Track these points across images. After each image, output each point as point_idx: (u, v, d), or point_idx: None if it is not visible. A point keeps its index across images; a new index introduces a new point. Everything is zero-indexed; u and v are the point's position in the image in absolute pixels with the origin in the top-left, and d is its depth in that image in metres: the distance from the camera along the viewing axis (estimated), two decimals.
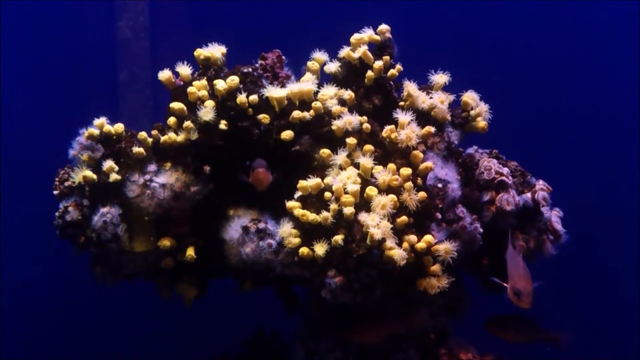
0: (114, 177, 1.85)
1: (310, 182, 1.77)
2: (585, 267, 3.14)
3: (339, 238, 1.69)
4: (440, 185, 1.85)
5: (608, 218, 3.24)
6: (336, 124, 1.87)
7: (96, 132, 1.89)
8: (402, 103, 1.99)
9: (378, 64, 1.96)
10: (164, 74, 1.92)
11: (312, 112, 1.88)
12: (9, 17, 2.95)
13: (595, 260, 3.23)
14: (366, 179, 1.80)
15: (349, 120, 1.86)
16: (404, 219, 1.73)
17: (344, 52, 2.00)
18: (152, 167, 1.87)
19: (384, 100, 1.99)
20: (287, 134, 1.87)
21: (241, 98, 1.85)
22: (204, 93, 1.87)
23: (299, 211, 1.75)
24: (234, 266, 1.88)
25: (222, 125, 1.86)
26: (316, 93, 1.92)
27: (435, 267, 1.78)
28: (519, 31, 3.15)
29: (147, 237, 1.91)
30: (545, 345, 2.04)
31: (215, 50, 1.93)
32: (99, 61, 2.91)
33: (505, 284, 1.75)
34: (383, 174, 1.77)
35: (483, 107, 2.02)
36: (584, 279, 3.17)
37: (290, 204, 1.78)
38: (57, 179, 1.96)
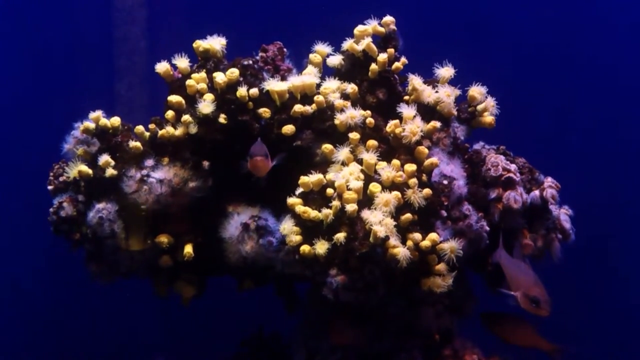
0: (110, 172, 1.82)
1: (311, 178, 1.74)
2: (593, 268, 3.11)
3: (341, 236, 1.66)
4: (445, 182, 1.82)
5: (618, 216, 3.21)
6: (339, 119, 1.83)
7: (92, 125, 1.86)
8: (406, 97, 1.95)
9: (382, 56, 1.92)
10: (162, 67, 1.89)
11: (314, 106, 1.85)
12: (3, 8, 2.92)
13: (604, 261, 3.20)
14: (369, 175, 1.76)
15: (352, 114, 1.82)
16: (408, 216, 1.69)
17: (347, 44, 1.96)
18: (149, 162, 1.84)
19: (388, 94, 1.95)
20: (288, 129, 1.83)
21: (241, 91, 1.82)
22: (203, 86, 1.84)
23: (300, 208, 1.72)
24: (233, 264, 1.85)
25: (222, 119, 1.83)
26: (318, 86, 1.89)
27: (440, 266, 1.74)
28: (528, 24, 3.13)
29: (144, 234, 1.88)
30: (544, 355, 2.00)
31: (214, 42, 1.90)
32: (95, 53, 2.88)
33: (512, 293, 1.71)
34: (387, 170, 1.73)
35: (490, 102, 1.98)
36: (591, 282, 3.14)
37: (291, 200, 1.75)
38: (51, 174, 1.94)
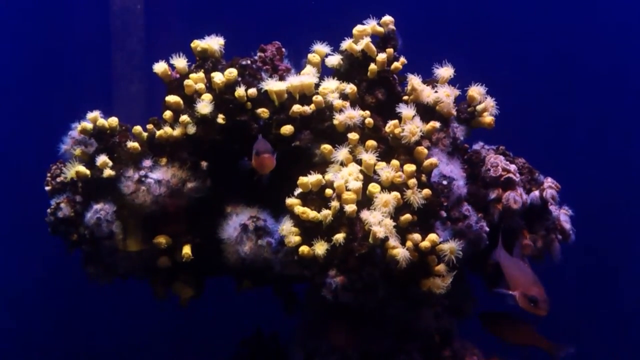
0: (107, 172, 1.80)
1: (310, 179, 1.72)
2: (593, 268, 3.10)
3: (340, 236, 1.65)
4: (445, 182, 1.82)
5: (618, 216, 3.20)
6: (338, 119, 1.82)
7: (89, 126, 1.85)
8: (406, 97, 1.94)
9: (381, 56, 1.91)
10: (160, 66, 1.87)
11: (312, 106, 1.84)
12: (1, 8, 2.91)
13: (604, 261, 3.19)
14: (368, 176, 1.75)
15: (351, 114, 1.81)
16: (407, 217, 1.68)
17: (346, 44, 1.95)
18: (147, 163, 1.83)
19: (387, 94, 1.95)
20: (286, 129, 1.82)
21: (239, 91, 1.81)
22: (201, 86, 1.82)
23: (299, 209, 1.71)
24: (231, 265, 1.83)
25: (220, 119, 1.82)
26: (317, 86, 1.88)
27: (440, 267, 1.73)
28: (528, 23, 3.11)
29: (142, 235, 1.87)
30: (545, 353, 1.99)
31: (212, 42, 1.89)
32: (92, 53, 2.86)
33: (511, 292, 1.70)
34: (386, 171, 1.72)
35: (490, 102, 1.97)
36: (592, 281, 3.13)
37: (290, 201, 1.74)
38: (49, 175, 1.92)
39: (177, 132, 1.82)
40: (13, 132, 2.90)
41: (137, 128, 1.84)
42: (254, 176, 1.77)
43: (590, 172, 3.03)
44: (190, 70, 1.88)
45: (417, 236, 1.69)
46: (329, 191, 1.71)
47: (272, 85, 1.84)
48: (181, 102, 1.83)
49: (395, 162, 1.75)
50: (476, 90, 1.98)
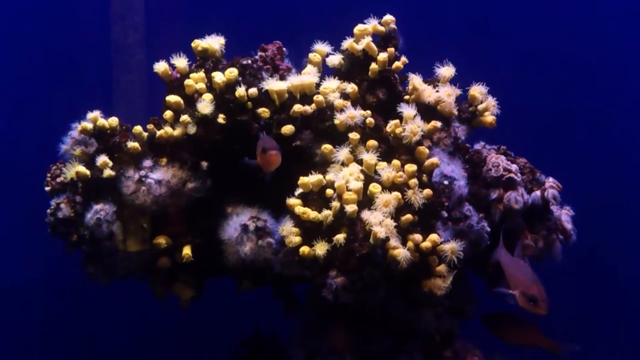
0: (107, 172, 1.80)
1: (311, 179, 1.72)
2: (595, 268, 3.09)
3: (341, 237, 1.64)
4: (446, 182, 1.81)
5: (619, 216, 3.19)
6: (339, 119, 1.82)
7: (89, 126, 1.84)
8: (407, 97, 1.94)
9: (382, 56, 1.90)
10: (160, 66, 1.87)
11: (313, 105, 1.83)
12: (1, 9, 2.90)
13: (605, 261, 3.19)
14: (369, 176, 1.74)
15: (352, 114, 1.81)
16: (408, 217, 1.68)
17: (347, 43, 1.94)
18: (147, 163, 1.82)
19: (388, 94, 1.94)
20: (287, 129, 1.82)
21: (240, 91, 1.81)
22: (201, 86, 1.82)
23: (299, 209, 1.70)
24: (232, 265, 1.83)
25: (220, 119, 1.81)
26: (318, 86, 1.87)
27: (441, 268, 1.73)
28: (529, 23, 3.11)
29: (142, 235, 1.86)
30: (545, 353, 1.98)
31: (213, 42, 1.88)
32: (93, 53, 2.85)
33: (511, 292, 1.70)
34: (387, 171, 1.72)
35: (491, 102, 1.97)
36: (593, 281, 3.13)
37: (290, 201, 1.73)
38: (48, 175, 1.91)
39: (177, 132, 1.82)
40: (13, 132, 2.90)
41: (138, 128, 1.84)
42: (259, 174, 1.76)
43: (591, 172, 3.03)
44: (191, 70, 1.87)
45: (418, 236, 1.69)
46: (329, 191, 1.70)
47: (273, 84, 1.83)
48: (182, 102, 1.83)
49: (396, 162, 1.75)
50: (477, 90, 1.97)
